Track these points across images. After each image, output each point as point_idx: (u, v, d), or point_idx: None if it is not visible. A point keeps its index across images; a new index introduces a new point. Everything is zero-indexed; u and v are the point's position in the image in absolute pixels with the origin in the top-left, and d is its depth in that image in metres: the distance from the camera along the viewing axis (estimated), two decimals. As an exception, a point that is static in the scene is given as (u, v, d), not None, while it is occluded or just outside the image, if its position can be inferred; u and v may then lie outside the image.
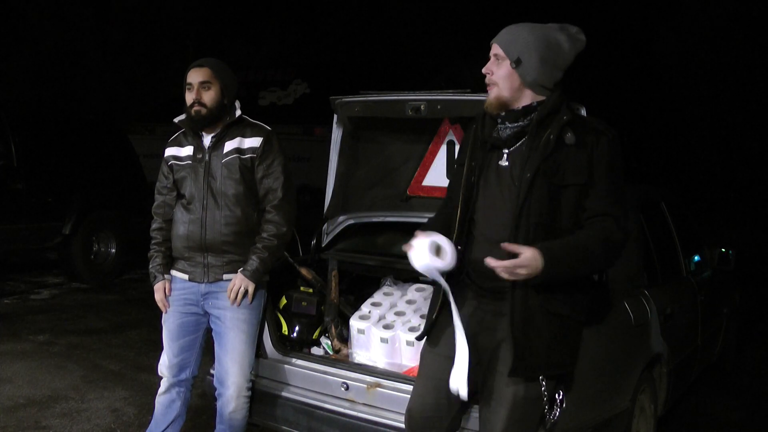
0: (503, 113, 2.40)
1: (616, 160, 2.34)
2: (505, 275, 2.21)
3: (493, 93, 2.39)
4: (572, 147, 2.30)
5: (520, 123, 2.38)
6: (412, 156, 3.73)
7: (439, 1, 18.42)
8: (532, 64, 2.34)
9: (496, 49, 2.39)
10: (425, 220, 2.76)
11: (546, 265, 2.18)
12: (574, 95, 2.52)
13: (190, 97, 3.02)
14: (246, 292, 3.03)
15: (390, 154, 3.80)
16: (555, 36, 2.37)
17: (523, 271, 2.18)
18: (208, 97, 3.01)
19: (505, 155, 2.40)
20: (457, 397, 2.53)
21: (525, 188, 2.29)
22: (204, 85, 3.00)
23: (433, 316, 2.50)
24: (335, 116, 3.72)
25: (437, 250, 2.36)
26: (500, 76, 2.37)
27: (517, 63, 2.34)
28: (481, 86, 2.56)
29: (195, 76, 3.01)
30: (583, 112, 2.65)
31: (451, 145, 3.58)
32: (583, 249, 2.26)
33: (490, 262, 2.21)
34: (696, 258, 4.54)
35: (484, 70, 2.41)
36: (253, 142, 3.06)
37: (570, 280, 2.32)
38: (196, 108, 3.00)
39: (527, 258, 2.17)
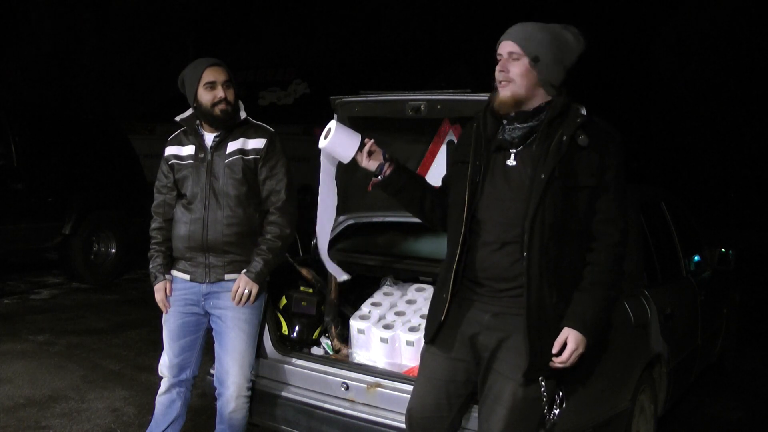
0: (512, 113, 2.38)
1: (622, 163, 2.37)
2: (570, 363, 2.31)
3: (508, 91, 2.34)
4: (585, 149, 2.31)
5: (530, 123, 2.37)
6: (412, 156, 3.72)
7: (439, 2, 18.41)
8: (548, 62, 2.34)
9: (511, 47, 2.34)
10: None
11: (587, 332, 2.30)
12: (575, 95, 2.52)
13: (212, 96, 2.98)
14: (249, 294, 3.03)
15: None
16: (564, 35, 2.38)
17: (579, 351, 2.30)
18: (231, 95, 3.02)
19: (512, 155, 2.39)
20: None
21: (540, 189, 2.27)
22: (226, 83, 3.01)
23: (441, 318, 2.47)
24: (335, 116, 3.71)
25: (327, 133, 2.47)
26: (517, 73, 2.33)
27: (535, 60, 2.32)
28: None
29: (218, 75, 2.99)
30: (584, 112, 2.65)
31: (451, 145, 3.57)
32: (604, 289, 2.34)
33: (554, 364, 2.31)
34: (696, 258, 4.54)
35: (499, 68, 2.35)
36: (257, 143, 3.06)
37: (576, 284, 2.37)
38: (222, 107, 2.99)
39: (573, 343, 2.29)
